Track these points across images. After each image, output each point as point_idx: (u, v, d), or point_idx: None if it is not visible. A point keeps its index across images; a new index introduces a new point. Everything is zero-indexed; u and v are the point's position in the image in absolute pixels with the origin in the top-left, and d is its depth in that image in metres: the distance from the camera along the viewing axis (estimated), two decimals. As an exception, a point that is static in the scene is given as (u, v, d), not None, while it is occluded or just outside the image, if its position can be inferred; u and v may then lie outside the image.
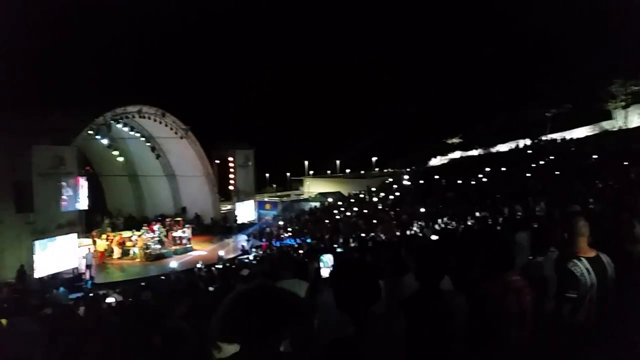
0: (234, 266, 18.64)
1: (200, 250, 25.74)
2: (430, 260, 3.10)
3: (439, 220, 18.59)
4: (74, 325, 6.68)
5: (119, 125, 26.49)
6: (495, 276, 3.38)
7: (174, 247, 25.26)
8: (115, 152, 28.47)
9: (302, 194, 53.16)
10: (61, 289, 16.38)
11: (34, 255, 18.73)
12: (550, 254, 4.30)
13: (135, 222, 28.95)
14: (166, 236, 25.37)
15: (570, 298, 3.40)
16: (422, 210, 23.20)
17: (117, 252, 24.11)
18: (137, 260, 23.61)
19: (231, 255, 24.26)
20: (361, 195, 36.40)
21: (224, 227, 31.77)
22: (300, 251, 18.25)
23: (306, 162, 66.28)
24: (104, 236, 24.39)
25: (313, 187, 53.07)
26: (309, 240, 23.32)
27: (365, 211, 28.60)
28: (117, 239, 24.58)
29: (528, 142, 40.93)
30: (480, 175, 29.90)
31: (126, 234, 25.61)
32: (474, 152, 49.76)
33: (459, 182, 29.32)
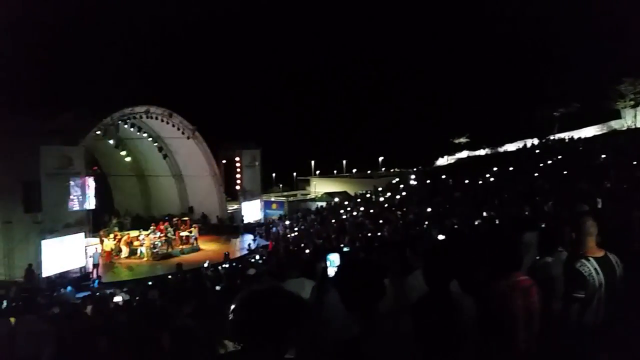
0: (240, 265, 18.67)
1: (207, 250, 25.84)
2: (439, 262, 3.08)
3: (446, 221, 18.51)
4: (81, 324, 6.71)
5: (127, 126, 26.60)
6: (503, 276, 3.36)
7: (181, 247, 25.41)
8: (123, 152, 28.61)
9: (309, 194, 53.17)
10: (69, 288, 16.46)
11: (41, 255, 18.86)
12: (558, 254, 4.28)
13: (142, 222, 29.08)
14: (174, 236, 25.51)
15: (578, 298, 3.37)
16: (429, 210, 23.11)
17: (125, 251, 24.26)
18: (144, 259, 23.74)
19: (238, 255, 24.32)
20: (367, 195, 36.35)
21: (231, 226, 31.85)
22: (307, 250, 18.25)
23: (313, 162, 66.31)
24: (111, 236, 24.52)
25: (319, 187, 53.07)
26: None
27: (371, 211, 28.55)
28: (125, 238, 24.71)
29: (536, 141, 40.67)
30: (487, 175, 29.76)
31: (134, 233, 25.74)
32: (482, 152, 49.54)
33: (466, 182, 29.19)
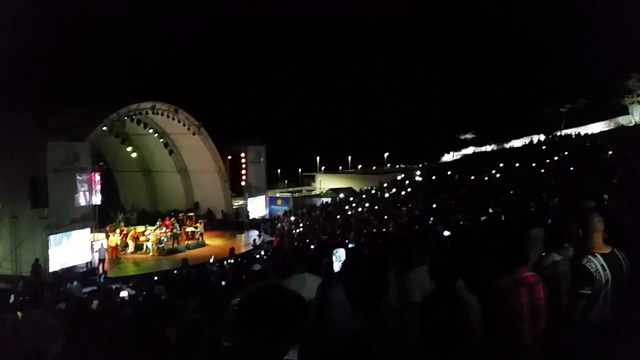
0: (245, 261, 18.71)
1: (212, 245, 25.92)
2: (447, 260, 3.07)
3: (452, 217, 18.45)
4: (88, 318, 6.75)
5: (133, 122, 26.67)
6: (508, 272, 3.35)
7: (186, 242, 25.52)
8: (129, 148, 28.72)
9: (314, 190, 53.19)
10: (75, 282, 16.58)
11: (48, 250, 18.99)
12: (565, 250, 4.25)
13: (148, 217, 29.19)
14: (180, 231, 25.61)
15: (585, 294, 3.35)
16: (435, 206, 23.06)
17: (131, 246, 24.39)
18: (150, 254, 23.85)
19: (243, 250, 24.38)
20: (373, 191, 36.31)
21: (236, 222, 31.94)
22: (312, 246, 18.26)
23: (318, 158, 66.34)
24: (117, 231, 24.64)
25: (324, 183, 53.09)
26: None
27: (376, 207, 28.52)
28: (131, 234, 24.84)
29: (542, 137, 40.47)
30: (493, 171, 29.64)
31: (140, 228, 25.85)
32: (488, 148, 49.36)
33: (472, 178, 29.10)
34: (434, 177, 35.32)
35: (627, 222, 5.39)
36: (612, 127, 37.19)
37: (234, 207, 34.16)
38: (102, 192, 22.58)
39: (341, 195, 38.90)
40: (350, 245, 14.42)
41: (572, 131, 38.86)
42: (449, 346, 2.71)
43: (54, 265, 19.18)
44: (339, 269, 3.30)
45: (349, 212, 29.45)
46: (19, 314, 6.26)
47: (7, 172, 19.03)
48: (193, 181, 33.37)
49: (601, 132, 36.11)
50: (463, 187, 26.65)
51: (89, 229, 21.19)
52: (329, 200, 37.34)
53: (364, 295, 2.59)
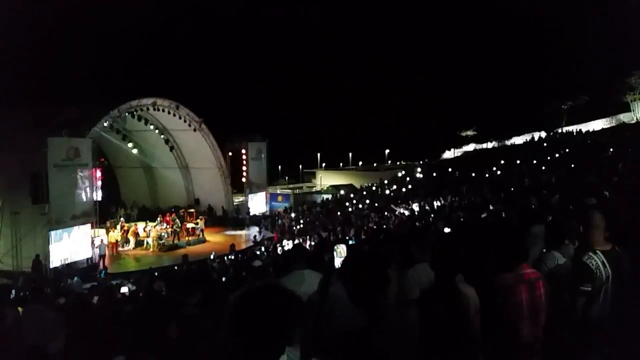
0: (246, 257, 18.75)
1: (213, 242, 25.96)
2: (446, 254, 3.07)
3: (452, 214, 18.47)
4: (88, 314, 6.76)
5: (134, 118, 26.66)
6: (508, 268, 3.35)
7: (187, 238, 25.55)
8: (130, 144, 28.71)
9: (315, 187, 53.21)
10: (75, 278, 16.61)
11: (49, 246, 19.02)
12: (565, 247, 4.25)
13: (149, 213, 29.24)
14: (180, 227, 25.64)
15: (585, 291, 3.35)
16: (435, 203, 23.09)
17: (131, 242, 24.43)
18: (151, 250, 23.88)
19: (243, 247, 24.41)
20: (373, 188, 36.32)
21: (237, 218, 31.97)
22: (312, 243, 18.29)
23: (319, 155, 66.31)
24: (118, 227, 24.67)
25: (325, 180, 53.10)
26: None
27: (377, 204, 28.55)
28: (132, 229, 24.88)
29: (543, 134, 40.43)
30: (494, 168, 29.65)
31: (140, 224, 25.88)
32: (489, 145, 49.34)
33: (473, 175, 29.11)
34: (434, 174, 35.31)
35: (628, 220, 5.38)
36: (613, 125, 37.15)
37: (234, 203, 34.17)
38: (102, 188, 22.59)
39: (342, 192, 38.93)
40: (350, 242, 14.45)
41: (574, 128, 38.81)
42: (448, 338, 2.71)
43: (55, 261, 19.21)
44: (339, 265, 3.30)
45: (350, 209, 29.49)
46: (20, 309, 6.26)
47: (8, 168, 19.05)
48: (194, 177, 33.39)
49: (602, 130, 36.06)
50: (464, 184, 26.69)
51: (89, 225, 21.22)
52: (329, 197, 37.37)
53: (363, 291, 2.59)
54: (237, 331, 1.65)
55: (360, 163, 67.85)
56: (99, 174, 22.11)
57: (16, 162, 18.93)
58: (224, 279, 11.20)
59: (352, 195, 35.04)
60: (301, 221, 28.84)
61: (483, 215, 15.17)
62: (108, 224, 24.72)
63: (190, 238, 25.74)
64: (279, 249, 20.41)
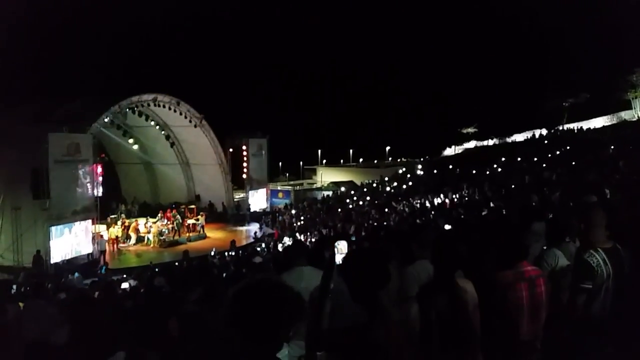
0: (246, 253, 18.76)
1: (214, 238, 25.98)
2: (446, 251, 3.08)
3: (453, 211, 18.48)
4: (89, 309, 6.77)
5: (134, 114, 26.65)
6: (509, 266, 3.35)
7: (188, 234, 25.58)
8: (131, 140, 28.69)
9: (315, 183, 53.21)
10: (76, 274, 16.64)
11: (50, 241, 19.02)
12: (566, 244, 4.25)
13: (149, 210, 29.24)
14: (181, 223, 25.66)
15: (586, 289, 3.35)
16: (436, 200, 23.09)
17: (132, 238, 24.46)
18: (151, 246, 23.91)
19: (244, 243, 24.44)
20: (374, 185, 36.32)
21: (237, 215, 31.98)
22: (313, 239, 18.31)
23: (319, 151, 66.29)
24: (118, 223, 24.69)
25: (326, 176, 53.08)
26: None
27: (377, 201, 28.56)
28: (133, 225, 24.90)
29: (545, 132, 40.39)
30: (495, 166, 29.64)
31: (141, 220, 25.90)
32: (490, 142, 49.30)
33: (474, 172, 29.10)
34: (435, 171, 35.31)
35: (628, 217, 5.38)
36: (614, 122, 37.10)
37: (235, 199, 34.18)
38: (103, 184, 22.59)
39: (342, 189, 38.93)
40: (351, 239, 14.45)
41: (575, 126, 38.76)
42: (447, 332, 2.72)
43: (56, 257, 19.22)
44: (340, 261, 3.31)
45: (350, 206, 29.50)
46: (21, 304, 6.28)
47: (8, 164, 19.07)
48: (194, 173, 33.38)
49: (603, 127, 36.02)
50: (464, 181, 26.68)
51: (90, 221, 21.22)
52: (330, 193, 37.36)
53: (364, 287, 2.59)
54: (234, 323, 1.66)
55: (361, 160, 67.84)
56: (99, 169, 22.11)
57: (17, 157, 18.94)
58: (224, 275, 11.21)
59: (352, 192, 35.06)
60: (302, 218, 28.86)
61: (484, 213, 15.19)
62: (109, 219, 24.73)
63: (190, 234, 25.76)
64: (280, 245, 20.40)
